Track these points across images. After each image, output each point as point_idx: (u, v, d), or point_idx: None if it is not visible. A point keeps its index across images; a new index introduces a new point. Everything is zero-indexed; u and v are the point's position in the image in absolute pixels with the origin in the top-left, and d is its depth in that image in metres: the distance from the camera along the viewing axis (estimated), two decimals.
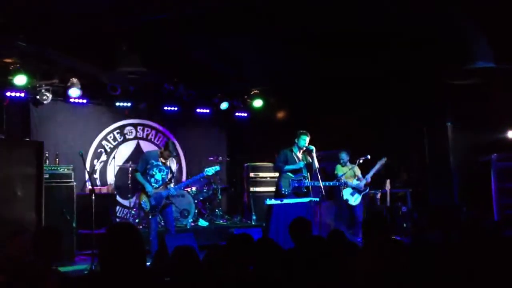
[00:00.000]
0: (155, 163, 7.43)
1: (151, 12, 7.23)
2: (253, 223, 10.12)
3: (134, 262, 2.53)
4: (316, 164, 7.93)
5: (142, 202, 7.38)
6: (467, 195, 9.57)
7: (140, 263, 2.60)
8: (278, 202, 7.76)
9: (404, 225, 9.57)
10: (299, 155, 8.08)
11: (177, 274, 3.29)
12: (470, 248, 3.32)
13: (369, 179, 9.15)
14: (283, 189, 7.87)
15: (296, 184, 7.89)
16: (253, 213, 10.31)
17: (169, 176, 7.57)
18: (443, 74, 9.34)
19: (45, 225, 6.60)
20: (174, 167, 7.70)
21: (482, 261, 3.11)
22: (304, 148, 8.03)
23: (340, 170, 9.23)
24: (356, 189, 9.08)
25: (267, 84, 11.04)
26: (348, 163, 9.27)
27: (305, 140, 8.00)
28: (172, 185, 7.65)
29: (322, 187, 7.88)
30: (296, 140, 8.06)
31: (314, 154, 7.96)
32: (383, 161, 9.15)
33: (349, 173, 9.15)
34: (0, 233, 4.76)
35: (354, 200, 9.08)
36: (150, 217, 7.38)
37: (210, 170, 7.96)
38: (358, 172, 9.25)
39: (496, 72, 9.00)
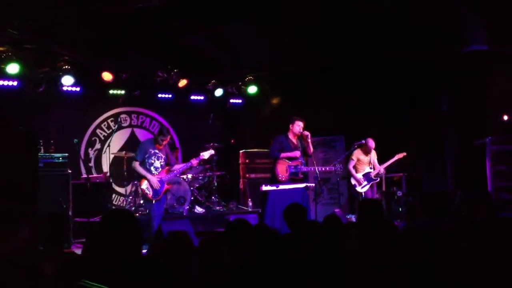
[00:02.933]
0: (153, 151, 7.45)
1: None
2: (249, 209, 10.14)
3: (129, 249, 2.53)
4: (311, 150, 7.94)
5: (145, 188, 7.39)
6: (462, 178, 9.60)
7: (136, 249, 2.60)
8: (274, 188, 7.77)
9: (400, 209, 9.60)
10: (294, 140, 8.05)
11: (171, 259, 3.27)
12: (463, 234, 3.32)
13: (382, 170, 9.13)
14: (280, 174, 7.85)
15: (293, 170, 7.88)
16: (249, 199, 10.32)
17: (166, 162, 7.60)
18: (437, 58, 9.35)
19: (49, 212, 6.58)
20: (170, 156, 7.73)
21: (477, 246, 3.11)
22: (299, 134, 8.00)
23: (355, 155, 9.12)
24: (366, 177, 9.04)
25: (262, 70, 10.98)
26: (372, 151, 9.16)
27: (300, 125, 7.96)
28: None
29: (318, 172, 7.91)
30: (290, 125, 8.02)
31: (309, 140, 7.95)
32: (401, 155, 9.13)
33: (366, 159, 9.10)
34: None
35: (362, 187, 9.04)
36: (153, 202, 7.38)
37: (206, 154, 7.99)
38: (374, 158, 9.17)
39: (490, 55, 9.01)
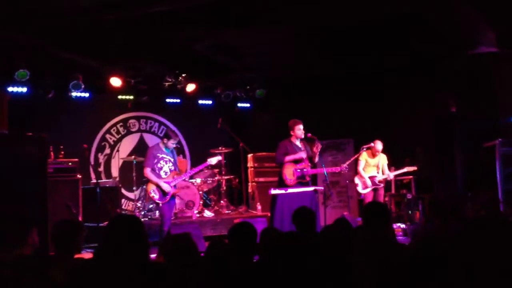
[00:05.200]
0: (161, 155, 7.44)
1: (151, 4, 7.23)
2: (258, 213, 10.13)
3: (135, 254, 2.54)
4: (316, 159, 7.89)
5: (151, 191, 7.37)
6: (472, 181, 9.54)
7: (142, 254, 2.61)
8: (282, 191, 7.73)
9: (409, 212, 9.55)
10: (299, 144, 7.98)
11: (173, 262, 3.26)
12: (472, 235, 3.30)
13: (392, 177, 9.06)
14: (287, 178, 7.81)
15: (300, 173, 7.83)
16: (258, 203, 10.32)
17: (175, 166, 7.61)
18: (446, 60, 9.33)
19: (65, 218, 6.62)
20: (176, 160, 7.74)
21: (485, 251, 3.10)
22: (302, 136, 7.92)
23: (363, 157, 9.07)
24: (370, 180, 8.96)
25: (270, 75, 11.00)
26: (380, 154, 9.08)
27: (300, 128, 7.86)
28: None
29: (326, 175, 7.85)
30: (291, 132, 7.91)
31: (318, 151, 7.81)
32: (411, 168, 9.06)
33: (373, 161, 9.04)
34: (6, 229, 4.75)
35: (363, 189, 8.97)
36: (160, 204, 7.36)
37: (213, 160, 7.98)
38: (384, 163, 9.11)
39: (498, 57, 8.96)
